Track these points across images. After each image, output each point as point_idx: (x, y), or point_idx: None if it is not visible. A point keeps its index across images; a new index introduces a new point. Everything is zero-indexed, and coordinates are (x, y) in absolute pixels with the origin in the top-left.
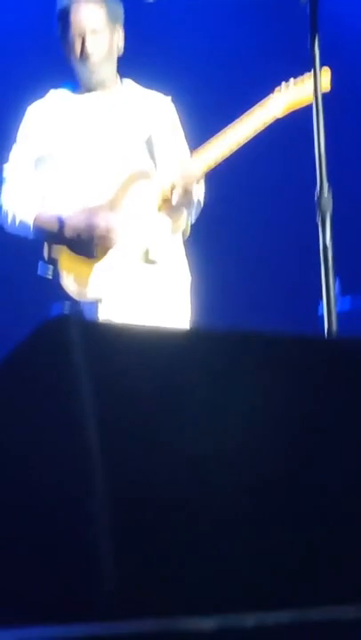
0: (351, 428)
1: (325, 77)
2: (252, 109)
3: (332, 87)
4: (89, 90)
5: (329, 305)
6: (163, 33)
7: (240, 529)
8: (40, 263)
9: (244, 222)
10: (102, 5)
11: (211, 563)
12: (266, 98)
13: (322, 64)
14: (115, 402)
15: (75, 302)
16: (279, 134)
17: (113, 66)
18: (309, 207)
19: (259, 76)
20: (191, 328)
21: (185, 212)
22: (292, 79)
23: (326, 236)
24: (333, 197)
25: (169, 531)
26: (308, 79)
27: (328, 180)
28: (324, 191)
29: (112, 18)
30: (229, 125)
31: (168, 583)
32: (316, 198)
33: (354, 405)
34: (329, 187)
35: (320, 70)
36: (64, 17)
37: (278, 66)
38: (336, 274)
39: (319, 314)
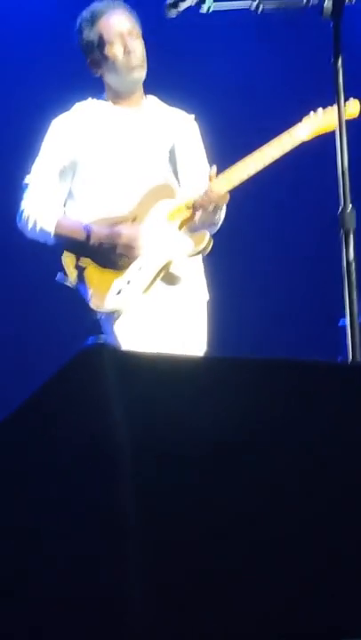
0: None
1: (355, 107)
2: (279, 136)
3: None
4: (117, 98)
5: (352, 320)
6: (186, 55)
7: (268, 569)
8: (59, 274)
9: (264, 238)
10: (131, 16)
11: (241, 605)
12: (294, 126)
13: (346, 88)
14: (146, 428)
15: (93, 312)
16: (300, 151)
17: (144, 74)
18: (331, 224)
19: (283, 102)
20: (221, 356)
21: (207, 231)
22: (320, 109)
23: (349, 252)
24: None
25: (200, 571)
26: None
27: (351, 197)
28: (347, 207)
29: (139, 30)
30: (257, 150)
31: (197, 627)
32: (339, 214)
33: None
34: (352, 203)
35: (345, 100)
36: (95, 22)
37: (303, 94)
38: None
39: (340, 324)
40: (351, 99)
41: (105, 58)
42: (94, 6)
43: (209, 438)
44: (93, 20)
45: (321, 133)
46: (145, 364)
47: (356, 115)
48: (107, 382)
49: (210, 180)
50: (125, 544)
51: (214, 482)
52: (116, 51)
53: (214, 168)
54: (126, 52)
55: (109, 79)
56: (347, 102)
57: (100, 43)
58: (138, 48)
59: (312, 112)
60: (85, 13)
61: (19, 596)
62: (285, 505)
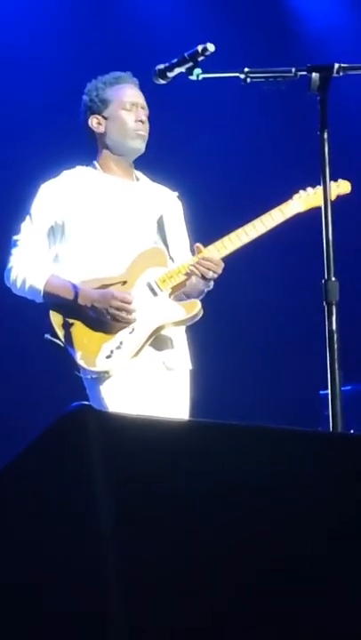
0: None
1: (345, 186)
2: (270, 211)
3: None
4: (109, 165)
5: (333, 390)
6: (174, 130)
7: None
8: (47, 335)
9: (248, 308)
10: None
11: None
12: (285, 203)
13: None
14: (130, 491)
15: (79, 371)
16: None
17: (143, 149)
18: (314, 294)
19: (267, 178)
20: (200, 420)
21: (197, 300)
22: (309, 188)
23: (332, 323)
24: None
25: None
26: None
27: (335, 267)
28: (331, 278)
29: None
30: (249, 222)
31: None
32: (322, 285)
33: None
34: (335, 273)
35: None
36: (116, 84)
37: (289, 167)
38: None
39: (321, 394)
40: (340, 179)
41: (115, 118)
42: (118, 73)
43: (193, 502)
44: (114, 82)
45: (315, 206)
46: (130, 428)
47: (346, 192)
48: (91, 446)
49: (198, 250)
50: (109, 610)
51: (199, 549)
52: (128, 115)
53: (199, 245)
54: (137, 120)
55: (110, 140)
56: (337, 182)
57: (115, 103)
58: (146, 123)
59: (301, 190)
60: (106, 76)
61: None
62: (272, 576)
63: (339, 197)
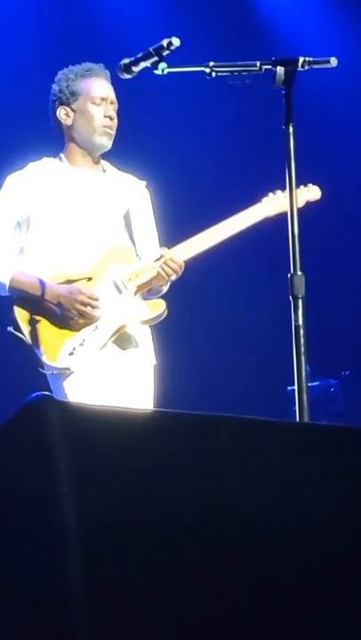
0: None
1: (315, 192)
2: (238, 214)
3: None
4: (75, 157)
5: (300, 384)
6: (146, 122)
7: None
8: (10, 329)
9: (213, 303)
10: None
11: None
12: (253, 206)
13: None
14: (91, 480)
15: (42, 367)
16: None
17: (110, 146)
18: (282, 289)
19: (233, 170)
20: (162, 410)
21: (162, 300)
22: (279, 191)
23: (298, 317)
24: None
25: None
26: (298, 194)
27: (301, 263)
28: (297, 272)
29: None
30: (216, 225)
31: None
32: (288, 280)
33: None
34: (302, 269)
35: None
36: (87, 76)
37: (258, 162)
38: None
39: (288, 390)
40: (310, 184)
41: (83, 112)
42: (90, 64)
43: (155, 492)
44: (85, 74)
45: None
46: (91, 418)
47: (316, 198)
48: (53, 436)
49: (163, 252)
50: (72, 614)
51: (160, 537)
52: (96, 110)
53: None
54: (106, 116)
55: (77, 133)
56: (307, 186)
57: (85, 96)
58: (115, 119)
59: (271, 193)
60: (78, 67)
61: None
62: (237, 572)
63: (308, 204)
